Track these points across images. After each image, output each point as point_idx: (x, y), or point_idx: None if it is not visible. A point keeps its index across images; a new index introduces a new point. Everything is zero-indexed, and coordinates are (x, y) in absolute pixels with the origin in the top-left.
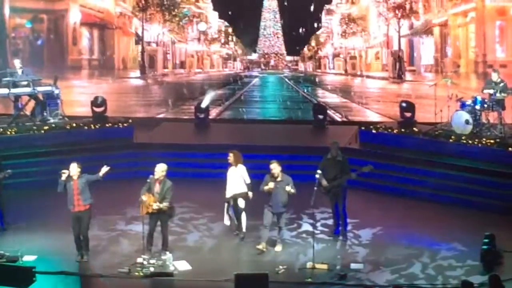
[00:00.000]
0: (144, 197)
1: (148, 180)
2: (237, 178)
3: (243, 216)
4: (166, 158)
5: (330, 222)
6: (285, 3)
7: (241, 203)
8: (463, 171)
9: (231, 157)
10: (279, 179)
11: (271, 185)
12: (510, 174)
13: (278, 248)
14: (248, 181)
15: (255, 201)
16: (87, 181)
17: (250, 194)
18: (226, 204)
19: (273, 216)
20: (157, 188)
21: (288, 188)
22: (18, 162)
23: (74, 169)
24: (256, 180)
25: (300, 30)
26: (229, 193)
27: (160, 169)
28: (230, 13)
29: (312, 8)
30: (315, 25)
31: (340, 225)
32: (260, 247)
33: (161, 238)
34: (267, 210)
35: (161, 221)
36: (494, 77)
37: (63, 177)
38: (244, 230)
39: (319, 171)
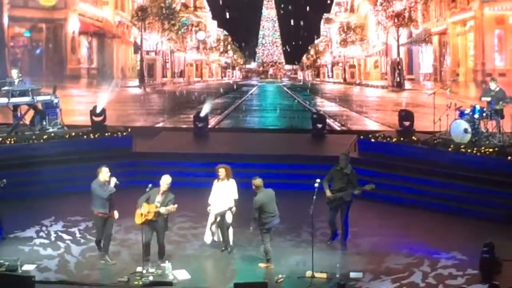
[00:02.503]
0: (142, 208)
1: (147, 190)
2: (227, 193)
3: (230, 230)
4: (165, 167)
5: (329, 231)
6: (284, 12)
7: (229, 217)
8: (462, 180)
9: (222, 173)
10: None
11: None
12: (509, 183)
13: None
14: (237, 196)
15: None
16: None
17: (234, 209)
18: (211, 220)
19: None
20: (159, 198)
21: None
22: (17, 171)
23: (107, 173)
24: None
25: (299, 39)
26: (217, 209)
27: (166, 181)
28: (229, 22)
29: (311, 17)
30: (314, 34)
31: (339, 234)
32: (264, 265)
33: (158, 249)
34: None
35: (157, 231)
36: (492, 86)
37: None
38: (231, 243)
39: (318, 180)
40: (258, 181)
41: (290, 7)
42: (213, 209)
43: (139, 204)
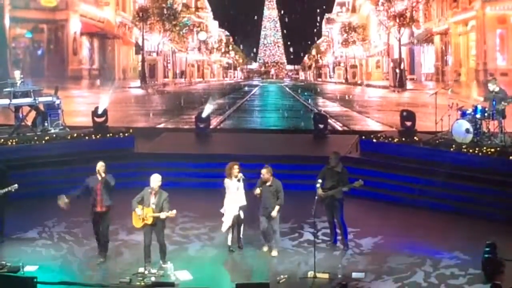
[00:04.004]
0: (139, 211)
1: (149, 190)
2: (241, 190)
3: (242, 226)
4: (167, 168)
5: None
6: (285, 12)
7: (242, 214)
8: (463, 180)
9: (238, 170)
10: (268, 183)
11: (257, 190)
12: (511, 183)
13: (274, 253)
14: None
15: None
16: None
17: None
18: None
19: (266, 220)
20: (153, 199)
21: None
22: (19, 172)
23: (101, 167)
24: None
25: (301, 39)
26: (236, 208)
27: (156, 179)
28: (230, 22)
29: (312, 17)
30: (316, 34)
31: (338, 234)
32: (264, 249)
33: (158, 249)
34: (261, 216)
35: (156, 232)
36: (491, 86)
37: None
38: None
39: (320, 181)
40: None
41: (291, 7)
42: (234, 209)
43: (133, 206)
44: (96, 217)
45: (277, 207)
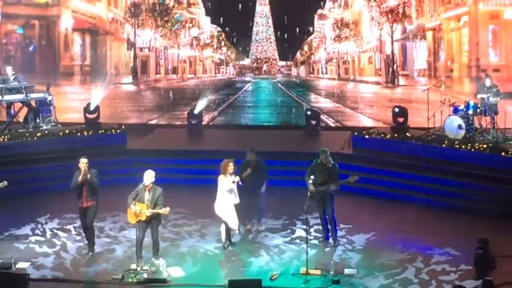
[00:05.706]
0: (134, 207)
1: (141, 187)
2: (235, 188)
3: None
4: (159, 164)
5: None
6: (278, 9)
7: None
8: (456, 176)
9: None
10: (253, 164)
11: (248, 170)
12: (502, 179)
13: (262, 227)
14: None
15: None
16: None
17: None
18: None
19: (251, 198)
20: (147, 195)
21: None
22: (11, 169)
23: (83, 164)
24: None
25: (293, 35)
26: (231, 206)
27: (149, 175)
28: (222, 18)
29: (305, 13)
30: (308, 30)
31: (330, 230)
32: (248, 227)
33: (151, 245)
34: (248, 194)
35: (151, 228)
36: (487, 82)
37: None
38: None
39: (312, 177)
40: None
41: (283, 3)
42: (229, 207)
43: (129, 203)
44: (82, 212)
45: (265, 184)
